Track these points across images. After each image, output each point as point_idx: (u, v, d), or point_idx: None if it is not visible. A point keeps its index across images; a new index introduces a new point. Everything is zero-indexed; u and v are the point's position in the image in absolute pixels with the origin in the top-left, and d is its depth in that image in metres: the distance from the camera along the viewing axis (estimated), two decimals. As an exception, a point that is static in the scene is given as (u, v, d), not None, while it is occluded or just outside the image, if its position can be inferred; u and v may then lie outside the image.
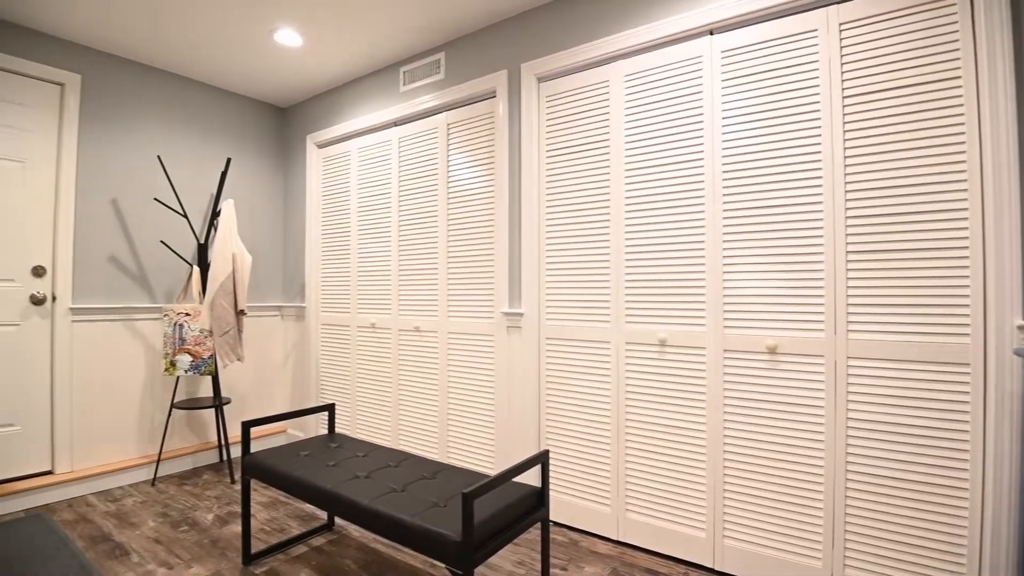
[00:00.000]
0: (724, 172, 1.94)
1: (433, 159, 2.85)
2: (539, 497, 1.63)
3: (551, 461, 2.39)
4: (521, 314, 2.42)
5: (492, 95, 2.61)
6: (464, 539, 1.29)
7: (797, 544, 1.79)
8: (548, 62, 2.38)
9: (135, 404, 2.98)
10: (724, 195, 1.94)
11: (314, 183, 3.53)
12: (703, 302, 1.98)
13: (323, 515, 2.49)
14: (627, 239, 2.16)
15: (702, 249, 1.98)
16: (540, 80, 2.44)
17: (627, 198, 2.17)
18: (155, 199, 3.06)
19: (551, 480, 2.38)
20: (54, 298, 2.73)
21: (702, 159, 1.99)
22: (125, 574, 1.95)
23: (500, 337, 2.52)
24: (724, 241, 1.94)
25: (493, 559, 2.06)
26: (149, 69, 3.10)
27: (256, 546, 2.16)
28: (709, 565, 1.97)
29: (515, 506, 1.53)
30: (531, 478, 2.42)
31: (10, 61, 2.60)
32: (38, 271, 2.68)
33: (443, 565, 2.02)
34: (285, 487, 1.85)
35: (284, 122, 3.81)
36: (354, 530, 2.33)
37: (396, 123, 3.06)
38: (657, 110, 2.10)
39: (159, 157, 2.98)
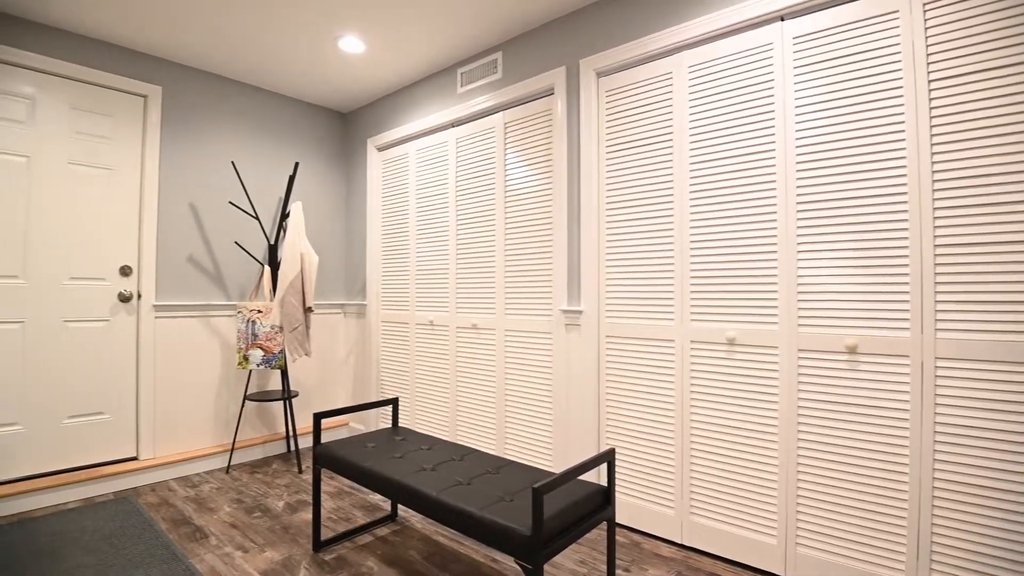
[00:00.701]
0: (798, 163, 1.86)
1: (490, 158, 2.87)
2: (605, 496, 1.62)
3: (611, 460, 2.36)
4: (580, 312, 2.41)
5: (550, 92, 2.60)
6: (534, 533, 1.29)
7: (877, 555, 1.69)
8: (608, 56, 2.35)
9: (211, 396, 3.17)
10: (798, 187, 1.86)
11: (374, 185, 3.64)
12: (775, 299, 1.90)
13: (386, 506, 2.56)
14: (692, 234, 2.11)
15: (774, 243, 1.91)
16: (599, 75, 2.42)
17: (692, 192, 2.11)
18: (230, 202, 3.24)
19: (611, 480, 2.35)
20: (139, 296, 2.93)
21: (773, 150, 1.91)
22: (205, 555, 2.07)
23: (558, 334, 2.51)
24: (798, 235, 1.85)
25: (556, 557, 2.06)
26: (223, 80, 3.28)
27: (324, 534, 2.25)
28: (780, 573, 1.89)
29: (581, 504, 1.52)
30: (588, 476, 2.40)
31: (100, 76, 2.81)
32: (125, 271, 2.89)
33: (500, 559, 2.03)
34: (355, 477, 1.91)
35: (345, 127, 3.95)
36: (416, 521, 2.38)
37: (453, 124, 3.10)
38: (724, 101, 2.04)
39: (233, 163, 3.15)
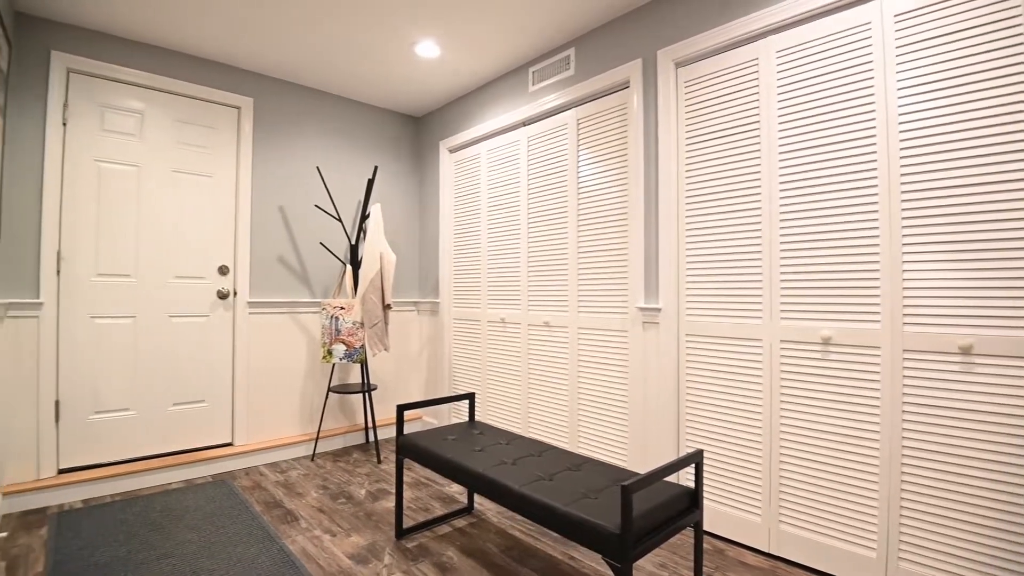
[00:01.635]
0: (902, 149, 1.72)
1: (562, 155, 2.86)
2: (692, 499, 1.57)
3: (691, 463, 2.29)
4: (658, 309, 2.35)
5: (625, 86, 2.56)
6: (623, 532, 1.27)
7: (998, 573, 1.54)
8: (687, 46, 2.28)
9: (298, 387, 3.35)
10: (903, 175, 1.72)
11: (446, 185, 3.72)
12: (877, 296, 1.78)
13: (463, 498, 2.61)
14: (783, 227, 2.00)
15: (875, 236, 1.78)
16: (678, 65, 2.35)
17: (782, 183, 2.01)
18: (315, 206, 3.42)
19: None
20: (235, 293, 3.15)
21: (874, 137, 1.79)
22: (296, 537, 2.19)
23: (635, 332, 2.46)
24: (903, 226, 1.72)
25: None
26: (308, 90, 3.47)
27: (405, 522, 2.32)
28: (882, 589, 1.76)
29: (668, 506, 1.48)
30: (671, 477, 2.34)
31: (199, 90, 3.04)
32: (223, 270, 3.11)
33: (578, 557, 2.02)
34: (437, 468, 1.96)
35: (418, 130, 4.06)
36: (492, 515, 2.41)
37: (525, 123, 3.12)
38: (816, 86, 1.93)
39: (318, 168, 3.33)
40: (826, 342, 1.89)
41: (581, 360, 2.74)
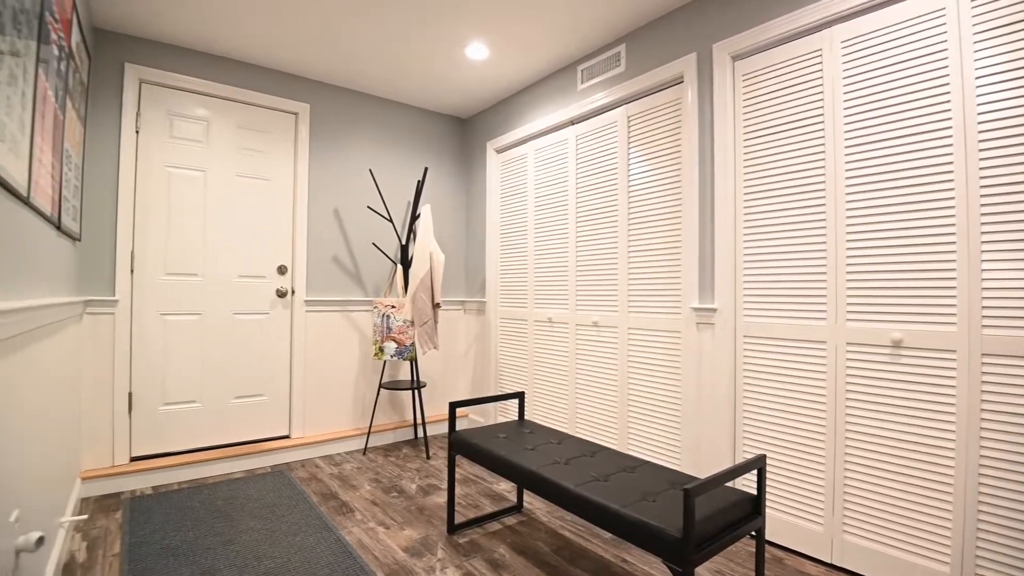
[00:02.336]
0: (981, 142, 1.62)
1: (612, 153, 2.83)
2: (754, 505, 1.53)
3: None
4: (714, 309, 2.30)
5: (678, 81, 2.51)
6: (685, 536, 1.25)
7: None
8: (745, 38, 2.22)
9: (350, 383, 3.45)
10: (982, 169, 1.62)
11: (493, 186, 3.74)
12: (953, 297, 1.68)
13: (512, 496, 2.62)
14: (849, 224, 1.92)
15: (951, 234, 1.68)
16: (735, 58, 2.29)
17: (848, 178, 1.93)
18: (368, 207, 3.51)
19: (754, 488, 2.22)
20: (293, 292, 3.27)
21: (949, 128, 1.69)
22: (352, 528, 2.26)
23: (688, 333, 2.41)
24: (983, 224, 1.62)
25: (688, 563, 1.98)
26: (360, 94, 3.56)
27: (456, 518, 2.35)
28: (958, 607, 1.67)
29: (729, 511, 1.45)
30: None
31: (259, 97, 3.17)
32: (281, 269, 3.23)
33: (630, 560, 1.99)
34: (491, 465, 1.98)
35: (465, 132, 4.11)
36: (541, 514, 2.41)
37: (573, 121, 3.10)
38: (885, 77, 1.84)
39: (370, 170, 3.41)
40: (896, 345, 1.80)
41: (631, 360, 2.71)
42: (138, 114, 2.82)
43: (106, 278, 2.72)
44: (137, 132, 2.82)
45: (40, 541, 1.37)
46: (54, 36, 1.70)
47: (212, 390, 3.02)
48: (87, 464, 2.66)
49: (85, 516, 1.84)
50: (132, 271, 2.80)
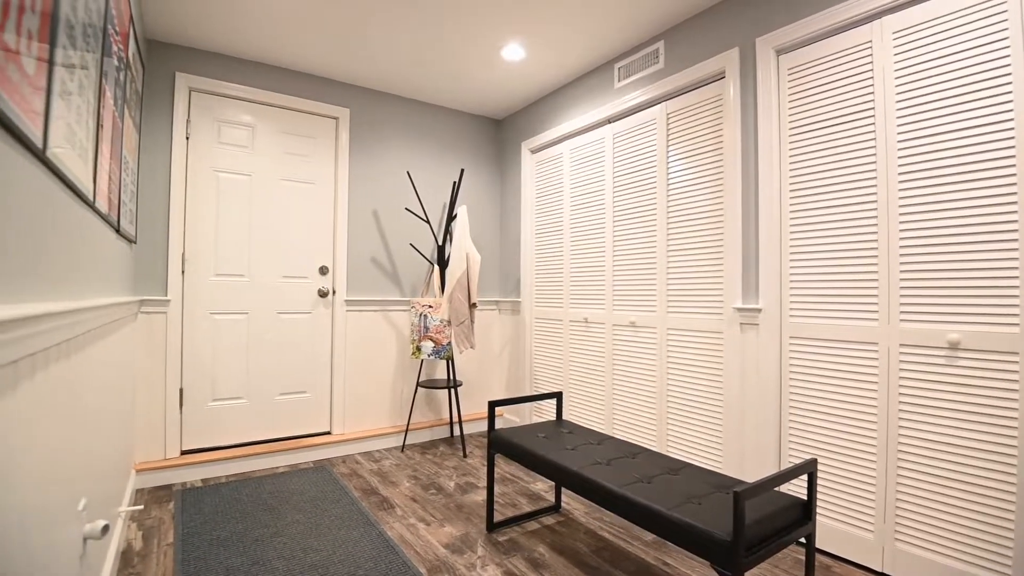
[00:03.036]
0: (1052, 133, 1.54)
1: (650, 151, 2.80)
2: (805, 510, 1.49)
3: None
4: (759, 310, 2.24)
5: (719, 77, 2.47)
6: (735, 539, 1.22)
7: None
8: (790, 32, 2.16)
9: (389, 381, 3.51)
10: (1052, 162, 1.54)
11: (528, 186, 3.75)
12: (1016, 296, 1.60)
13: (550, 496, 2.62)
14: (902, 221, 1.85)
15: (1014, 231, 1.60)
16: (779, 52, 2.23)
17: (901, 173, 1.85)
18: (406, 208, 3.56)
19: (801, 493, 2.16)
20: (334, 292, 3.35)
21: (1011, 119, 1.60)
22: (393, 524, 2.29)
23: (731, 334, 2.36)
24: (1053, 219, 1.54)
25: (732, 568, 1.94)
26: (398, 98, 3.62)
27: (495, 517, 2.36)
28: (1024, 623, 1.58)
29: (778, 516, 1.41)
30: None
31: (301, 103, 3.26)
32: (323, 270, 3.31)
33: (671, 563, 1.96)
34: (531, 464, 1.98)
35: (500, 133, 4.12)
36: (580, 515, 2.40)
37: (610, 120, 3.08)
38: (940, 68, 1.76)
39: (408, 173, 3.47)
40: (953, 346, 1.72)
41: (670, 361, 2.67)
42: (188, 121, 2.93)
43: (159, 279, 2.84)
44: (187, 138, 2.93)
45: (105, 529, 1.44)
46: (115, 48, 1.78)
47: (258, 387, 3.11)
48: (140, 457, 2.78)
49: (140, 507, 1.92)
50: (183, 272, 2.91)
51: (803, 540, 1.51)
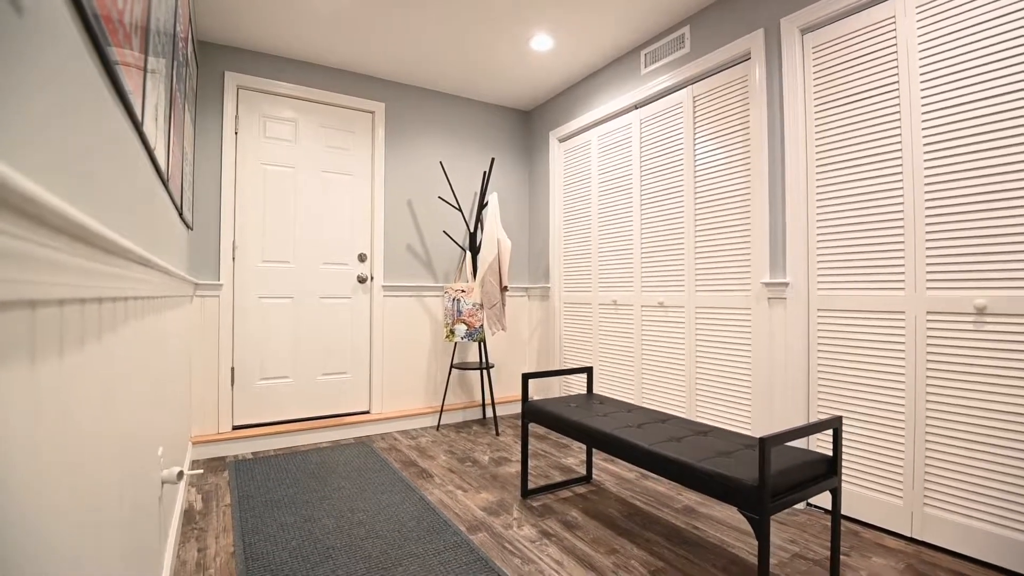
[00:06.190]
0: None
1: (677, 133, 2.87)
2: (830, 466, 1.55)
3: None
4: (786, 284, 2.29)
5: (745, 58, 2.52)
6: (761, 484, 1.30)
7: None
8: (814, 10, 2.20)
9: (423, 363, 3.65)
10: (1078, 126, 1.56)
11: (556, 174, 3.84)
12: (1045, 259, 1.63)
13: (581, 469, 2.71)
14: (928, 191, 1.88)
15: (1042, 195, 1.63)
16: (804, 31, 2.28)
17: (926, 145, 1.89)
18: (439, 197, 3.70)
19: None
20: (372, 278, 3.50)
21: (1041, 86, 1.63)
22: (433, 490, 2.42)
23: (759, 309, 2.42)
24: (1079, 183, 1.56)
25: (760, 531, 2.01)
26: (430, 92, 3.76)
27: (528, 485, 2.47)
28: (1054, 582, 1.61)
29: (804, 468, 1.48)
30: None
31: (340, 98, 3.42)
32: (361, 257, 3.48)
33: (701, 526, 2.04)
34: (564, 430, 2.08)
35: (528, 123, 4.23)
36: (611, 485, 2.49)
37: (637, 106, 3.15)
38: (963, 38, 1.79)
39: (441, 163, 3.60)
40: (980, 312, 1.75)
41: (699, 339, 2.73)
42: (236, 117, 3.13)
43: (212, 264, 3.03)
44: (236, 133, 3.12)
45: (180, 475, 1.60)
46: (180, 45, 1.96)
47: (302, 367, 3.29)
48: (195, 431, 2.98)
49: (200, 471, 2.09)
50: (234, 258, 3.11)
51: (831, 494, 1.56)
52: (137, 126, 1.07)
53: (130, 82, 0.97)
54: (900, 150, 1.96)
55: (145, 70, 1.16)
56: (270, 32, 2.97)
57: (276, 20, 2.84)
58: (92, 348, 0.72)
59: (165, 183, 1.62)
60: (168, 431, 1.79)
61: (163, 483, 1.59)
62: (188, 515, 2.20)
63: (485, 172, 3.57)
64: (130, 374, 1.04)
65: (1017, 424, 1.68)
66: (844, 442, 2.13)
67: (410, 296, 3.62)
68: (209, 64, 3.06)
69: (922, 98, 1.90)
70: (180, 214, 2.20)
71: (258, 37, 3.02)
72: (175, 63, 1.86)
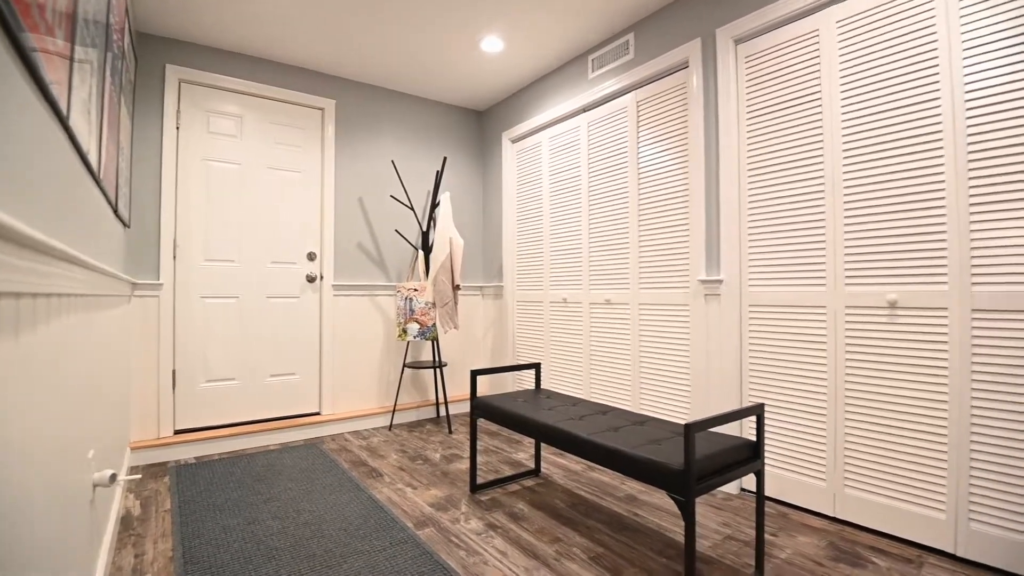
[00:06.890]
0: (968, 111, 1.72)
1: (622, 137, 2.97)
2: (754, 449, 1.65)
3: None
4: (720, 281, 2.42)
5: (684, 66, 2.64)
6: (686, 467, 1.38)
7: (1080, 534, 1.53)
8: (746, 22, 2.33)
9: (376, 363, 3.63)
10: (969, 137, 1.72)
11: (509, 174, 3.90)
12: (944, 258, 1.78)
13: (530, 463, 2.77)
14: (846, 195, 2.03)
15: (941, 199, 1.78)
16: (737, 42, 2.41)
17: (845, 152, 2.04)
18: (391, 196, 3.69)
19: (754, 450, 2.33)
20: (321, 277, 3.46)
21: (938, 99, 1.79)
22: (382, 488, 2.42)
23: (696, 305, 2.54)
24: (970, 190, 1.72)
25: (699, 517, 2.11)
26: (382, 90, 3.75)
27: (477, 480, 2.50)
28: (949, 550, 1.76)
29: (729, 453, 1.57)
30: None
31: (289, 94, 3.37)
32: (311, 256, 3.43)
33: (641, 513, 2.12)
34: (510, 424, 2.13)
35: (481, 123, 4.27)
36: (558, 478, 2.55)
37: (585, 109, 3.24)
38: (878, 54, 1.94)
39: (392, 162, 3.60)
40: (892, 305, 1.90)
41: (643, 333, 2.84)
42: (178, 111, 3.03)
43: (151, 263, 2.93)
44: (177, 128, 3.03)
45: (113, 477, 1.56)
46: (114, 37, 1.89)
47: (249, 368, 3.22)
48: (135, 436, 2.88)
49: (138, 476, 2.03)
50: (175, 257, 3.01)
51: (755, 476, 1.67)
52: (62, 119, 1.04)
53: (53, 73, 0.95)
54: (822, 156, 2.11)
55: (72, 60, 1.13)
56: (215, 25, 2.89)
57: (221, 13, 2.77)
58: (6, 345, 0.71)
59: (96, 177, 1.58)
60: (102, 434, 1.74)
61: (95, 486, 1.55)
62: (125, 521, 2.13)
63: (438, 171, 3.58)
64: (53, 374, 1.02)
65: (924, 407, 1.83)
66: (772, 429, 2.26)
67: (362, 295, 3.59)
68: (149, 57, 2.95)
69: (842, 107, 2.05)
70: (115, 210, 2.12)
71: (202, 30, 2.94)
72: (109, 54, 1.81)
